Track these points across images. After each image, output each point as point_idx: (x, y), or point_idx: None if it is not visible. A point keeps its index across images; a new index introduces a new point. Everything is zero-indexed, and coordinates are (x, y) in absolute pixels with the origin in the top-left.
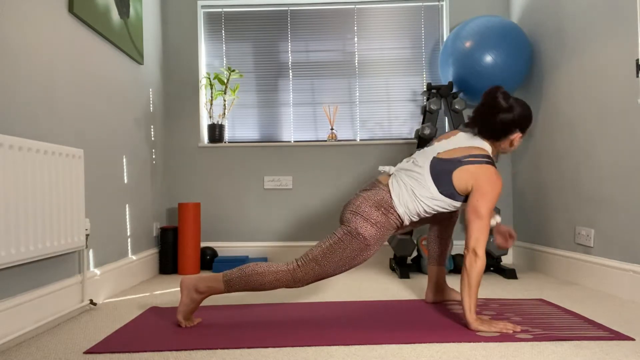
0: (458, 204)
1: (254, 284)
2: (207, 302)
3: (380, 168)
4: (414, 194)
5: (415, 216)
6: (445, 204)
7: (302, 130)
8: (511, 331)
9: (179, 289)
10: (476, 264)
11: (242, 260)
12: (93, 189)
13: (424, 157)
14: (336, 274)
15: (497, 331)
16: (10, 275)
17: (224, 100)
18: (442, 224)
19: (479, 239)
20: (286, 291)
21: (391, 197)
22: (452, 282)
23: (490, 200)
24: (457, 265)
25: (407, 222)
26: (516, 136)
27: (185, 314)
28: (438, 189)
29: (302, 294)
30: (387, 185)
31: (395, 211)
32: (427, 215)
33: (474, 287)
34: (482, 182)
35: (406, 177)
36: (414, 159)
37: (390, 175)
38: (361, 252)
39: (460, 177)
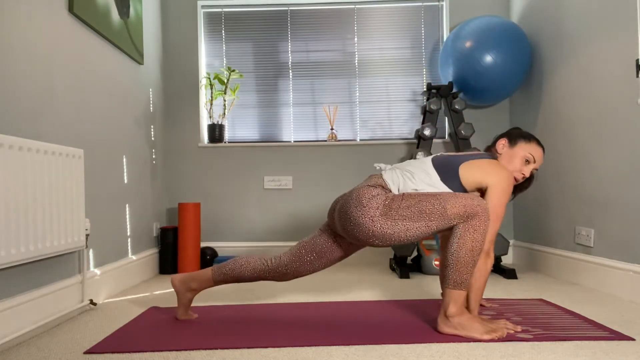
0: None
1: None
2: (207, 302)
3: (376, 165)
4: (411, 176)
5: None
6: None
7: (302, 130)
8: (511, 331)
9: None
10: (488, 265)
11: None
12: (93, 189)
13: (420, 160)
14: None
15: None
16: (10, 275)
17: (224, 100)
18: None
19: (492, 241)
20: (286, 291)
21: (383, 179)
22: None
23: (507, 198)
24: None
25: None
26: (500, 142)
27: (184, 311)
28: (439, 176)
29: (303, 294)
30: (381, 175)
31: (387, 186)
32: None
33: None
34: (500, 179)
35: (406, 166)
36: (408, 162)
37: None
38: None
39: (469, 168)
